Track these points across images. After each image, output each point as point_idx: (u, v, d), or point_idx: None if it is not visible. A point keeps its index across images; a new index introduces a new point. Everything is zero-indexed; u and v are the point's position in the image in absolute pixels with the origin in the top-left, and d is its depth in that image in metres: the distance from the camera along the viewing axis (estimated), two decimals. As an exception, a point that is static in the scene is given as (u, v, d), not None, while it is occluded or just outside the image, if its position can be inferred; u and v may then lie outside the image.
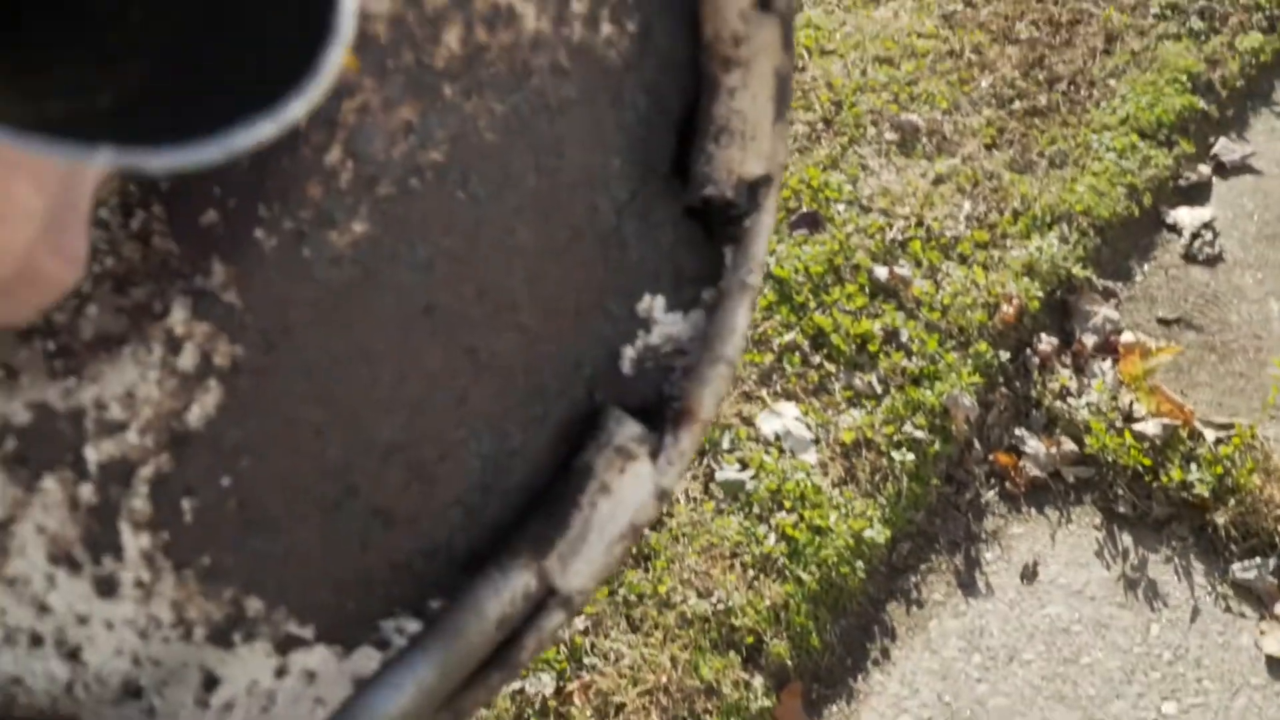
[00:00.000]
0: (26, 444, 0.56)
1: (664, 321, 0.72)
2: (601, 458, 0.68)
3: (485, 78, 0.66)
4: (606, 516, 0.67)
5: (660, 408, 0.71)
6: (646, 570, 2.15)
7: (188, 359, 0.59)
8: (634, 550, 2.17)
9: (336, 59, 0.35)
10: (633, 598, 2.10)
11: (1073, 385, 2.55)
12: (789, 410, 2.43)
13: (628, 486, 0.68)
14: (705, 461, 2.33)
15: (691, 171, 0.71)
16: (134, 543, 0.59)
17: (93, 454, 0.57)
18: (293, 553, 0.63)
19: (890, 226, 2.76)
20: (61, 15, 0.46)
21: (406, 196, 0.65)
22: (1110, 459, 2.41)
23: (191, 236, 0.58)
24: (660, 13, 0.71)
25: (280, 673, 0.63)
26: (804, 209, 2.79)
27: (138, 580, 0.59)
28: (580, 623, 2.06)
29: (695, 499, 2.27)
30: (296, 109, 0.35)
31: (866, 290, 2.63)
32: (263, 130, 0.34)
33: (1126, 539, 2.33)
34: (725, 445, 2.35)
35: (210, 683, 0.61)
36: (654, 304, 0.71)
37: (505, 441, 0.68)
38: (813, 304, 2.60)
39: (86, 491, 0.58)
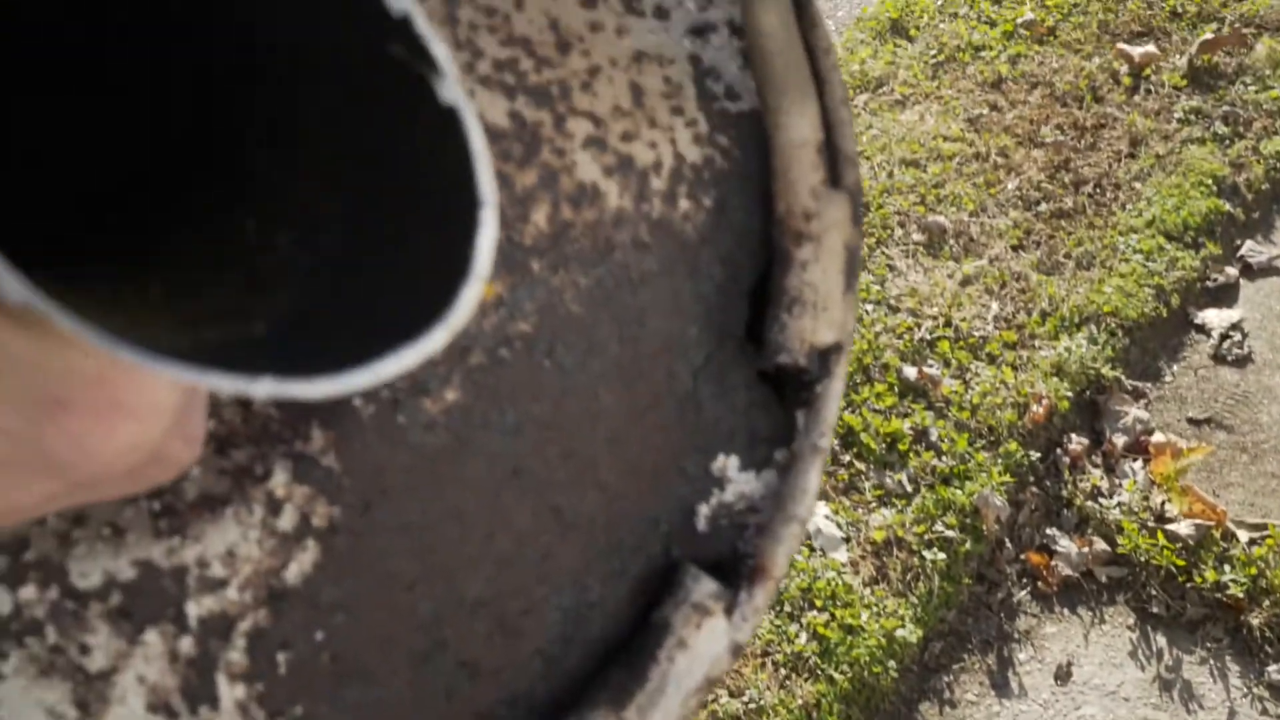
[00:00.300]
0: (131, 599, 0.59)
1: (738, 480, 0.73)
2: (679, 614, 0.69)
3: (571, 253, 0.70)
4: (683, 671, 0.68)
5: (735, 564, 0.72)
6: (677, 668, 2.15)
7: (287, 520, 0.62)
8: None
9: (476, 293, 0.38)
10: (664, 696, 2.09)
11: (1104, 485, 2.54)
12: (820, 509, 2.43)
13: (704, 642, 0.69)
14: (736, 559, 2.33)
15: (766, 339, 0.74)
16: (230, 693, 0.61)
17: (194, 609, 0.60)
18: (383, 703, 0.65)
19: (919, 326, 2.79)
20: (213, 240, 0.49)
21: (497, 366, 0.68)
22: (1143, 559, 2.40)
23: (291, 403, 0.61)
24: (735, 189, 0.75)
25: None
26: (833, 309, 2.82)
27: None
28: (611, 721, 2.06)
29: (726, 597, 2.27)
30: (438, 338, 0.37)
31: (896, 389, 2.65)
32: (409, 358, 0.37)
33: (1161, 640, 2.31)
34: (756, 543, 2.36)
35: None
36: (728, 463, 0.73)
37: (585, 595, 0.70)
38: (842, 403, 2.61)
39: (186, 644, 0.60)
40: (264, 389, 0.34)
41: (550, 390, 0.69)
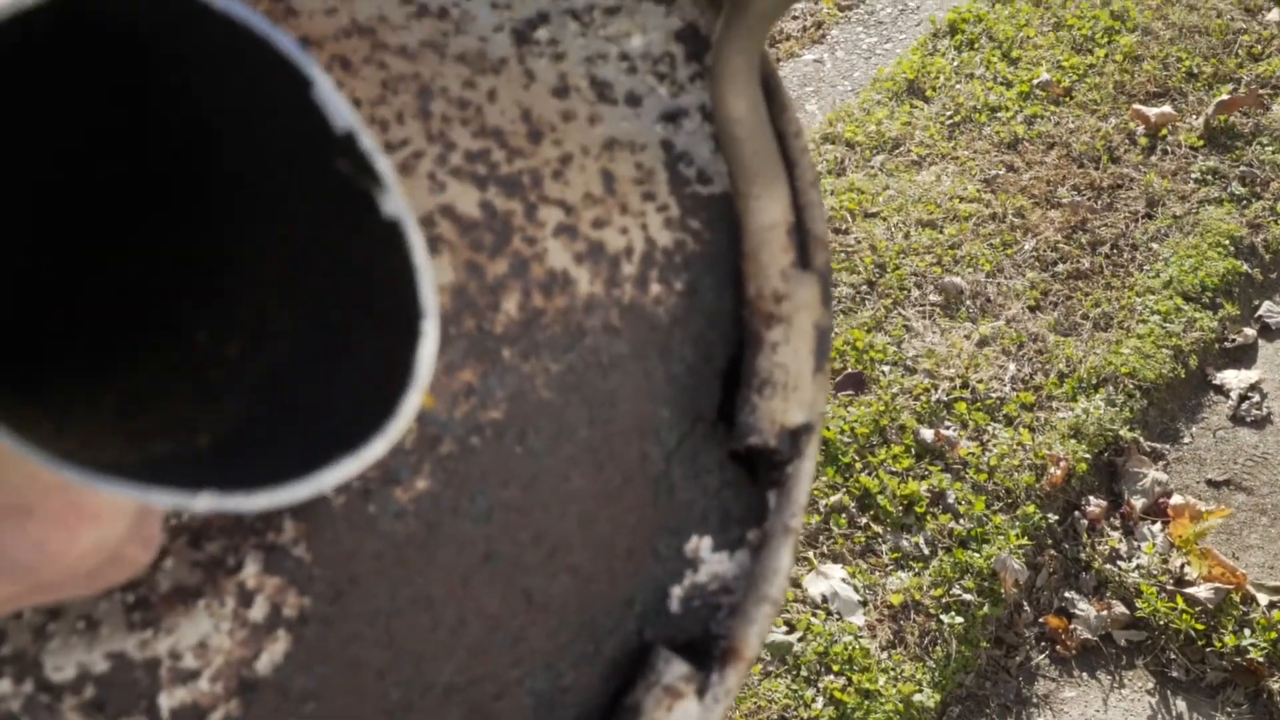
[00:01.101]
0: (104, 692, 0.59)
1: (711, 561, 0.74)
2: (650, 696, 0.70)
3: (542, 340, 0.71)
4: None
5: (707, 645, 0.73)
6: (693, 733, 2.14)
7: (259, 610, 0.63)
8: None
9: (416, 402, 0.39)
10: (679, 761, 2.09)
11: (1122, 548, 2.53)
12: (836, 572, 2.43)
13: None
14: (753, 623, 2.33)
15: (737, 421, 0.74)
16: None
17: (166, 701, 0.61)
18: None
19: (935, 388, 2.79)
20: (165, 352, 0.51)
21: (467, 453, 0.68)
22: (1162, 622, 2.38)
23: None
24: (706, 271, 0.75)
25: None
26: (849, 370, 2.83)
27: None
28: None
29: (742, 661, 2.27)
30: (378, 448, 0.38)
31: (912, 451, 2.65)
32: (348, 469, 0.38)
33: (1180, 704, 2.30)
34: (772, 606, 2.35)
35: None
36: (701, 544, 0.74)
37: (558, 679, 0.70)
38: (859, 465, 2.62)
39: None
40: (204, 503, 0.35)
41: (521, 475, 0.70)
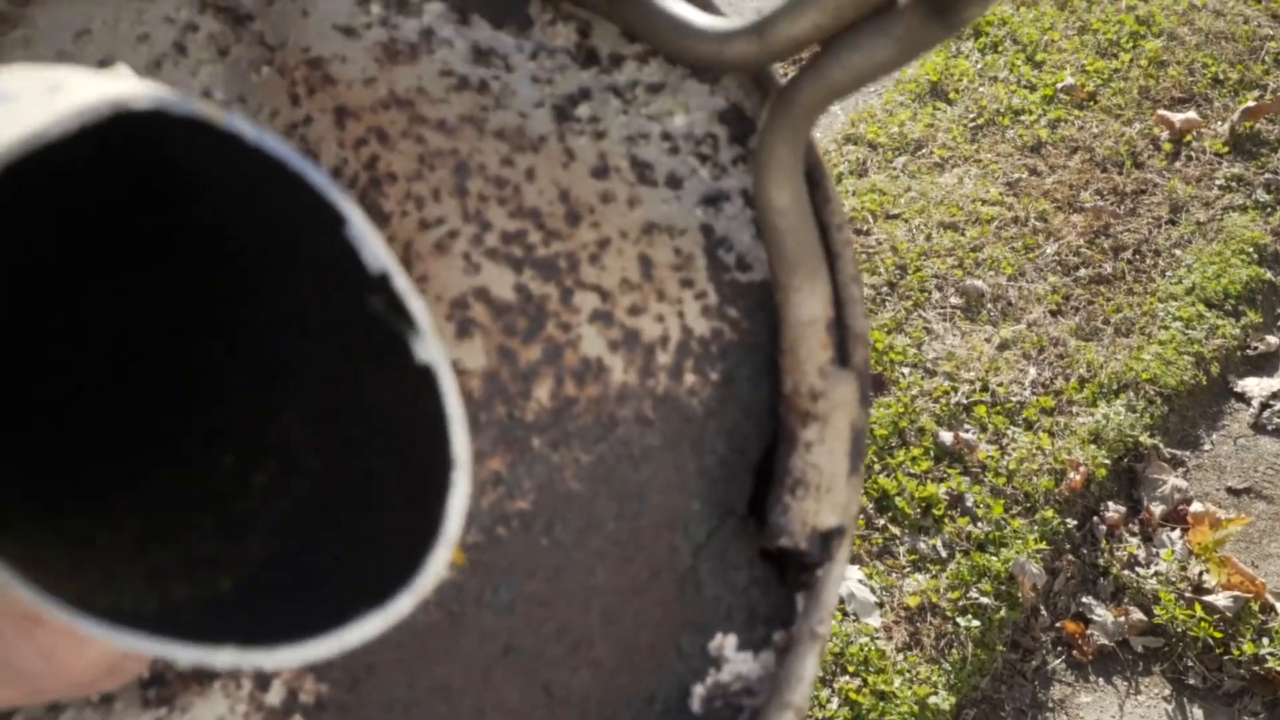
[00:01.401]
0: None
1: (734, 660, 0.72)
2: None
3: (573, 429, 0.69)
4: None
5: None
6: (708, 732, 2.14)
7: (275, 695, 0.63)
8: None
9: (445, 558, 0.38)
10: (694, 759, 2.09)
11: (1141, 554, 2.53)
12: (853, 573, 2.42)
13: None
14: (768, 622, 2.33)
15: (768, 521, 0.72)
16: None
17: None
18: None
19: (955, 391, 2.78)
20: (191, 477, 0.50)
21: (493, 543, 0.68)
22: (1180, 630, 2.37)
23: None
24: (742, 361, 0.73)
25: None
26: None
27: None
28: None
29: (758, 660, 2.26)
30: (404, 605, 0.37)
31: (931, 454, 2.64)
32: (373, 626, 0.37)
33: (1197, 712, 2.29)
34: (789, 606, 2.35)
35: None
36: (725, 642, 0.72)
37: None
38: (877, 466, 2.61)
39: None
40: (226, 659, 0.34)
41: (546, 567, 0.68)
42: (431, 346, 0.38)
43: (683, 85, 0.72)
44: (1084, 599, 2.46)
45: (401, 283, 0.38)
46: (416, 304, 0.38)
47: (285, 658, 0.36)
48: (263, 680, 0.62)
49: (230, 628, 0.37)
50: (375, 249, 0.38)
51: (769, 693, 0.70)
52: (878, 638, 2.31)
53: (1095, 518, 2.59)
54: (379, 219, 0.66)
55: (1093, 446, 2.67)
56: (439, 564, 0.38)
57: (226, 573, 0.44)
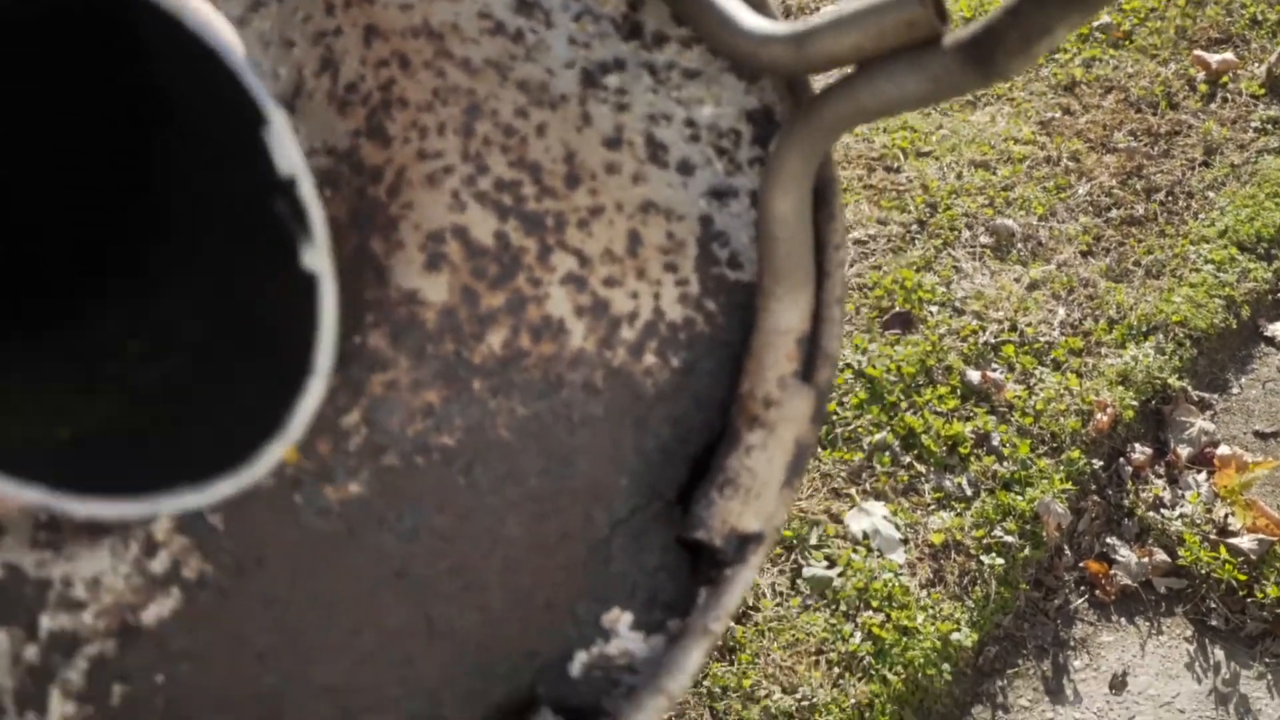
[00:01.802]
0: None
1: (625, 637, 0.73)
2: None
3: (517, 381, 0.70)
4: None
5: (592, 718, 0.71)
6: (731, 663, 2.16)
7: (159, 564, 0.63)
8: (719, 642, 2.18)
9: (276, 455, 0.39)
10: (716, 690, 2.11)
11: (1166, 496, 2.53)
12: (878, 509, 2.43)
13: None
14: (793, 556, 2.34)
15: (690, 511, 0.73)
16: (59, 709, 0.62)
17: (46, 622, 0.61)
18: None
19: (983, 330, 2.78)
20: (74, 336, 0.51)
21: (409, 470, 0.68)
22: (1204, 572, 2.38)
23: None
24: (707, 355, 0.74)
25: None
26: (897, 309, 2.81)
27: None
28: (664, 712, 2.07)
29: (782, 593, 2.28)
30: (224, 489, 0.38)
31: (958, 392, 2.64)
32: (186, 501, 0.38)
33: (1219, 653, 2.30)
34: (813, 541, 2.36)
35: None
36: (621, 618, 0.73)
37: (438, 709, 0.70)
38: (904, 404, 2.61)
39: (31, 652, 0.61)
40: (33, 496, 0.35)
41: (456, 505, 0.69)
42: (321, 257, 0.40)
43: (720, 77, 0.72)
44: (1108, 539, 2.47)
45: (307, 191, 0.39)
46: (317, 214, 0.39)
47: (89, 509, 0.37)
48: (150, 547, 0.62)
49: (52, 472, 0.38)
50: (290, 154, 0.38)
51: (649, 675, 0.71)
52: (901, 574, 2.32)
53: (1121, 459, 2.59)
54: (380, 140, 0.66)
55: (1120, 388, 2.66)
56: (270, 459, 0.39)
57: (69, 424, 0.45)
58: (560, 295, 0.70)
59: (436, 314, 0.68)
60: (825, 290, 0.73)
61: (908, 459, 2.53)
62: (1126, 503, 2.52)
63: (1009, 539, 2.38)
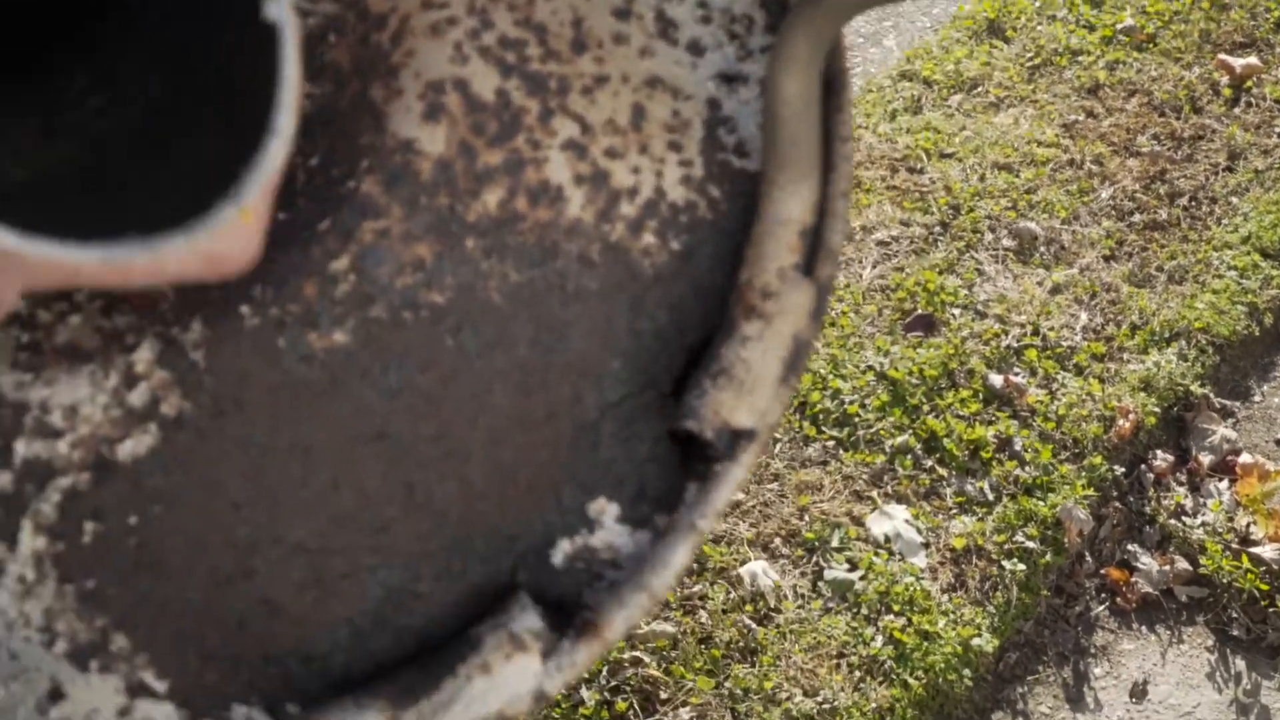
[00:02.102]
0: None
1: (610, 529, 0.71)
2: (493, 637, 0.67)
3: (512, 244, 0.68)
4: (477, 694, 0.66)
5: (571, 611, 0.70)
6: (753, 665, 2.16)
7: (138, 397, 0.62)
8: (740, 644, 2.18)
9: (229, 215, 0.38)
10: (739, 691, 2.11)
11: (1188, 504, 2.52)
12: (899, 513, 2.43)
13: (509, 675, 0.67)
14: (814, 559, 2.34)
15: (681, 400, 0.71)
16: (30, 541, 0.61)
17: (21, 448, 0.60)
18: (172, 606, 0.64)
19: (1006, 334, 2.77)
20: (40, 83, 0.50)
21: (396, 325, 0.66)
22: (1225, 581, 2.37)
23: (186, 290, 0.60)
24: (708, 241, 0.72)
25: (123, 713, 0.64)
26: (919, 311, 2.81)
27: (21, 576, 0.61)
28: (685, 714, 2.07)
29: (803, 596, 2.28)
30: (179, 245, 0.37)
31: (980, 396, 2.64)
32: (134, 255, 0.37)
33: (1240, 663, 2.29)
34: (834, 544, 2.36)
35: (55, 695, 0.62)
36: (607, 509, 0.71)
37: (413, 582, 0.68)
38: (926, 407, 2.61)
39: (4, 479, 0.61)
40: None
41: (442, 366, 0.67)
42: (282, 8, 0.38)
43: None
44: (1129, 546, 2.46)
45: None
46: None
47: (31, 248, 0.36)
48: (130, 378, 0.61)
49: (3, 211, 0.37)
50: None
51: (633, 571, 0.70)
52: (923, 578, 2.32)
53: (1143, 466, 2.58)
54: None
55: (1143, 394, 2.66)
56: (222, 221, 0.39)
57: (24, 166, 0.44)
58: (560, 161, 0.69)
59: (432, 165, 0.66)
60: (831, 184, 0.71)
61: (929, 462, 2.53)
62: (1148, 510, 2.51)
63: (1030, 544, 2.38)
